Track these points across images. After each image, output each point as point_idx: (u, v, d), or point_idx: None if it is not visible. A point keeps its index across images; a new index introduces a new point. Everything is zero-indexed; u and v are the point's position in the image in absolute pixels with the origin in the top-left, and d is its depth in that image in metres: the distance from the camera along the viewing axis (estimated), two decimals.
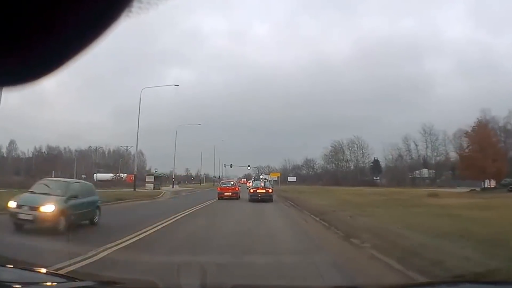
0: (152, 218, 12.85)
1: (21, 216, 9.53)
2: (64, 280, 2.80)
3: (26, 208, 9.57)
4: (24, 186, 15.18)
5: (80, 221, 10.72)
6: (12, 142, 74.51)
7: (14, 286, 2.49)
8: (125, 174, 59.78)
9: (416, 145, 75.60)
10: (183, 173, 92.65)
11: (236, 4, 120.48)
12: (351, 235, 9.15)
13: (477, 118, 44.96)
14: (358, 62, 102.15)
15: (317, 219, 13.68)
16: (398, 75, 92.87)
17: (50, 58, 0.84)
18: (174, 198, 31.08)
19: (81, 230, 10.30)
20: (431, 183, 64.86)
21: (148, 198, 28.07)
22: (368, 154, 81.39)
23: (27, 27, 0.76)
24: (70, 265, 5.71)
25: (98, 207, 11.75)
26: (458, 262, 5.69)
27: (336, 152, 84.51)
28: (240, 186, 34.06)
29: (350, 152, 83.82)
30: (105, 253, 7.11)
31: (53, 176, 42.14)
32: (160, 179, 48.85)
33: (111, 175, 60.41)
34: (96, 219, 11.47)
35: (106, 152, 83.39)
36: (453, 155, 61.69)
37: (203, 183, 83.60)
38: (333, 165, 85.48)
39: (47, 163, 64.91)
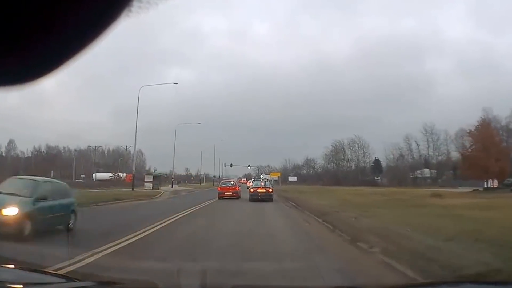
0: (146, 219, 12.35)
1: None
2: (63, 280, 2.83)
3: None
4: None
5: (51, 226, 9.32)
6: (11, 142, 74.47)
7: (14, 286, 2.50)
8: (124, 174, 59.63)
9: (417, 144, 75.28)
10: (183, 173, 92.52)
11: (236, 4, 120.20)
12: (357, 238, 8.69)
13: (480, 117, 44.68)
14: (358, 62, 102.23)
15: (320, 220, 13.31)
16: (399, 75, 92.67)
17: (50, 58, 0.84)
18: (173, 198, 30.77)
19: (50, 236, 8.60)
20: (432, 183, 64.47)
21: (146, 198, 27.82)
22: (369, 153, 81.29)
23: (27, 27, 0.76)
24: None
25: (73, 211, 10.35)
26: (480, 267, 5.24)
27: (337, 151, 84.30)
28: (240, 186, 34.14)
29: (351, 152, 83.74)
30: (70, 268, 5.46)
31: (51, 176, 41.95)
32: (159, 179, 48.52)
33: (110, 174, 60.38)
34: (71, 224, 10.05)
35: (106, 152, 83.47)
36: (455, 155, 61.73)
37: (203, 183, 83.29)
38: (334, 165, 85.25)
39: (46, 163, 64.88)
